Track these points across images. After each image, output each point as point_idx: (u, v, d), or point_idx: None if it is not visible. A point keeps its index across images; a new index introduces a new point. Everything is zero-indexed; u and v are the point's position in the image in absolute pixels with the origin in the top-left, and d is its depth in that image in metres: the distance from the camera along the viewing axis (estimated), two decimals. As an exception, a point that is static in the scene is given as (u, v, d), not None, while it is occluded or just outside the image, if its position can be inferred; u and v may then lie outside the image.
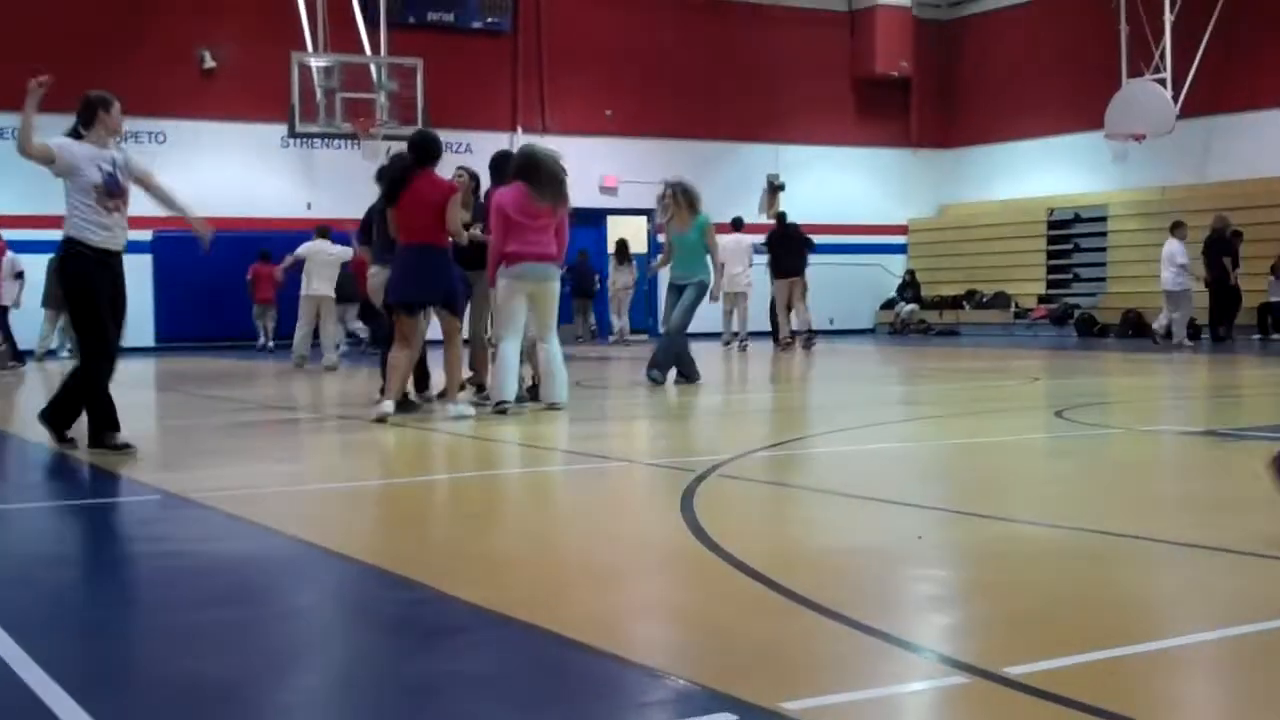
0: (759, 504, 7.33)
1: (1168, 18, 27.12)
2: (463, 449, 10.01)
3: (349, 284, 21.15)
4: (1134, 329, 27.61)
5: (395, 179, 11.45)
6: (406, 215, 11.22)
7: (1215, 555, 5.49)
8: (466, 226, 11.61)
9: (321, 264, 20.80)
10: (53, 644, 4.24)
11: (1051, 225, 29.88)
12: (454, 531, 6.38)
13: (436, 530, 6.42)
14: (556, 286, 11.77)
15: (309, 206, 28.10)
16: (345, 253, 20.17)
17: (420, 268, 11.20)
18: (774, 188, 30.86)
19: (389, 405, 11.06)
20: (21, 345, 22.31)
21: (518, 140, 28.83)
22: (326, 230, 21.71)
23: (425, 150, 11.48)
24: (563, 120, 29.61)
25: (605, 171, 29.80)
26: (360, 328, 24.66)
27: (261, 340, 26.79)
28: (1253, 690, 3.74)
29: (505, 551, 5.87)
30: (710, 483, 7.45)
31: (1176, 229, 23.49)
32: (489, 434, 10.52)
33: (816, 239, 27.57)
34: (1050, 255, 30.46)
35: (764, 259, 24.17)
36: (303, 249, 21.06)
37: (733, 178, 30.76)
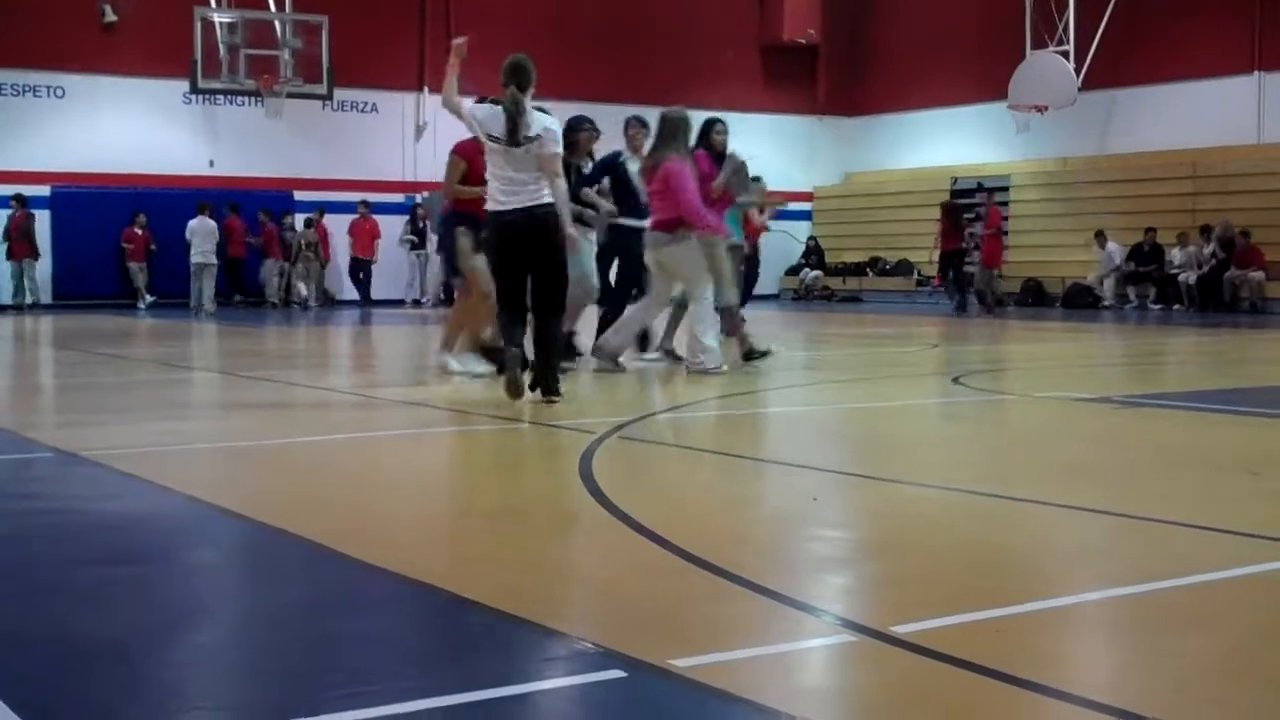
0: (657, 466, 7.37)
1: (1072, -10, 27.41)
2: (366, 409, 9.98)
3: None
4: (1034, 297, 27.99)
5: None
6: None
7: (1104, 518, 5.60)
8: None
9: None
10: (-60, 601, 4.19)
11: (954, 194, 30.14)
12: (351, 491, 6.37)
13: (333, 490, 6.40)
14: (668, 250, 11.58)
15: (211, 164, 27.79)
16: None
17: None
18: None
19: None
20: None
21: (425, 100, 28.67)
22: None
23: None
24: (470, 81, 29.37)
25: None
26: None
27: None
28: (1134, 650, 3.83)
29: (403, 511, 5.87)
30: (609, 445, 7.49)
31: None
32: (405, 396, 10.49)
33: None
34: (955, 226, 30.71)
35: None
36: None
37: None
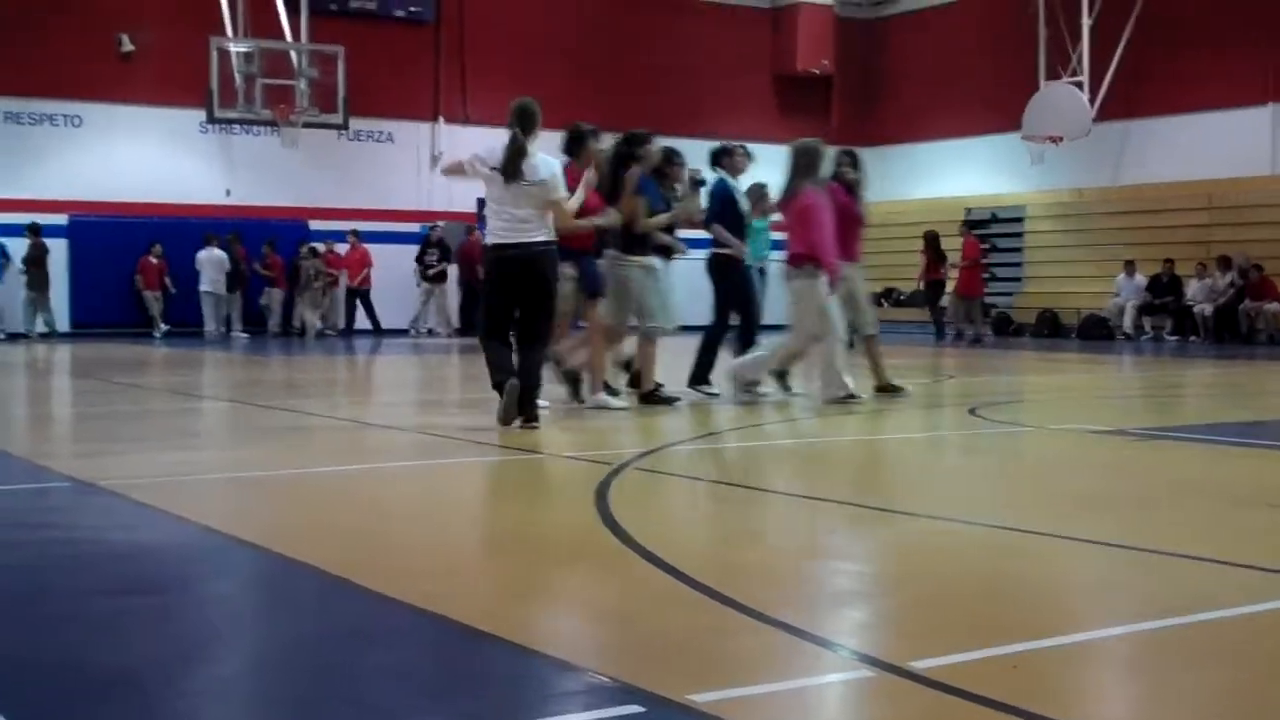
0: (673, 498, 7.36)
1: (1085, 21, 27.44)
2: (381, 438, 9.97)
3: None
4: (1049, 328, 27.95)
5: None
6: None
7: (1123, 552, 5.57)
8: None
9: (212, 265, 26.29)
10: (-44, 632, 4.19)
11: (969, 225, 30.10)
12: (366, 522, 6.36)
13: (347, 520, 6.39)
14: (795, 285, 11.75)
15: (228, 193, 27.85)
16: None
17: None
18: (695, 183, 30.83)
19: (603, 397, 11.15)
20: None
21: (440, 130, 28.75)
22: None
23: (566, 140, 11.36)
24: (484, 110, 29.45)
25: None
26: None
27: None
28: (1151, 685, 3.81)
29: (419, 544, 5.86)
30: (625, 476, 7.47)
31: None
32: (420, 425, 10.49)
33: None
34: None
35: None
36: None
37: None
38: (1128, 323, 26.83)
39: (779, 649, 4.05)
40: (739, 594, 4.58)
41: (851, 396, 11.57)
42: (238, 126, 27.00)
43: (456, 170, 10.25)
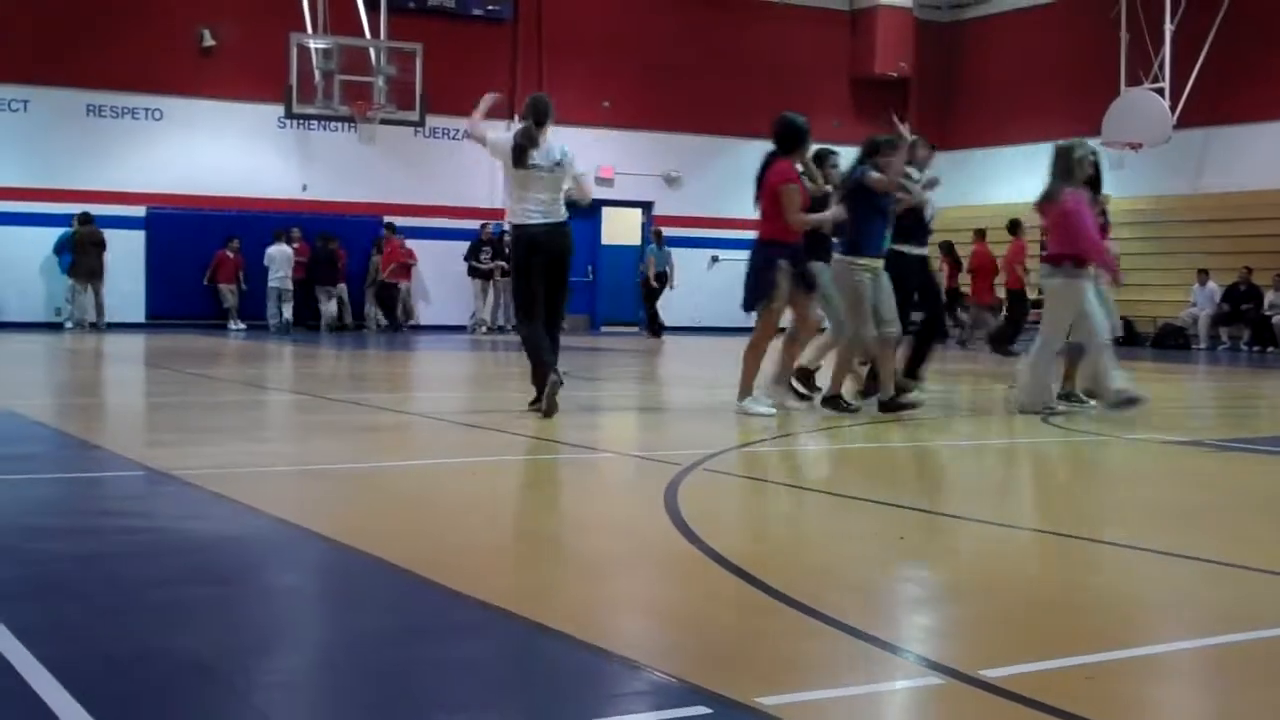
0: (743, 499, 7.35)
1: (1168, 27, 27.16)
2: (450, 434, 10.02)
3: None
4: (1125, 337, 27.66)
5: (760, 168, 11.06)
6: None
7: (1197, 565, 5.51)
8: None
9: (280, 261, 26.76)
10: (31, 619, 4.23)
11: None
12: (438, 519, 6.39)
13: (421, 517, 6.43)
14: (1054, 284, 11.51)
15: (305, 188, 28.08)
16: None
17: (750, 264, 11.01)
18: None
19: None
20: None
21: (515, 128, 28.84)
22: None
23: (777, 138, 11.01)
24: (560, 109, 29.38)
25: (602, 162, 29.78)
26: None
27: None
28: (1225, 700, 3.76)
29: (488, 540, 5.88)
30: (695, 477, 7.47)
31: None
32: (489, 423, 10.53)
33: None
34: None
35: None
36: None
37: (728, 173, 30.76)
38: (1202, 332, 26.53)
39: (847, 654, 4.03)
40: (808, 598, 4.56)
41: (1132, 400, 11.15)
42: (315, 122, 27.23)
43: (480, 137, 11.02)
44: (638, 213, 31.00)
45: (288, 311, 26.68)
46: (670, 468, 7.65)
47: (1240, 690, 3.82)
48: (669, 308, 30.06)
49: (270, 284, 26.77)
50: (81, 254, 25.57)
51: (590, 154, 29.45)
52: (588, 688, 3.68)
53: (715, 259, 30.63)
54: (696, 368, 19.95)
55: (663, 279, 28.74)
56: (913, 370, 12.18)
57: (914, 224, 12.07)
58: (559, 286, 10.51)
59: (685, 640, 4.21)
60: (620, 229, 30.73)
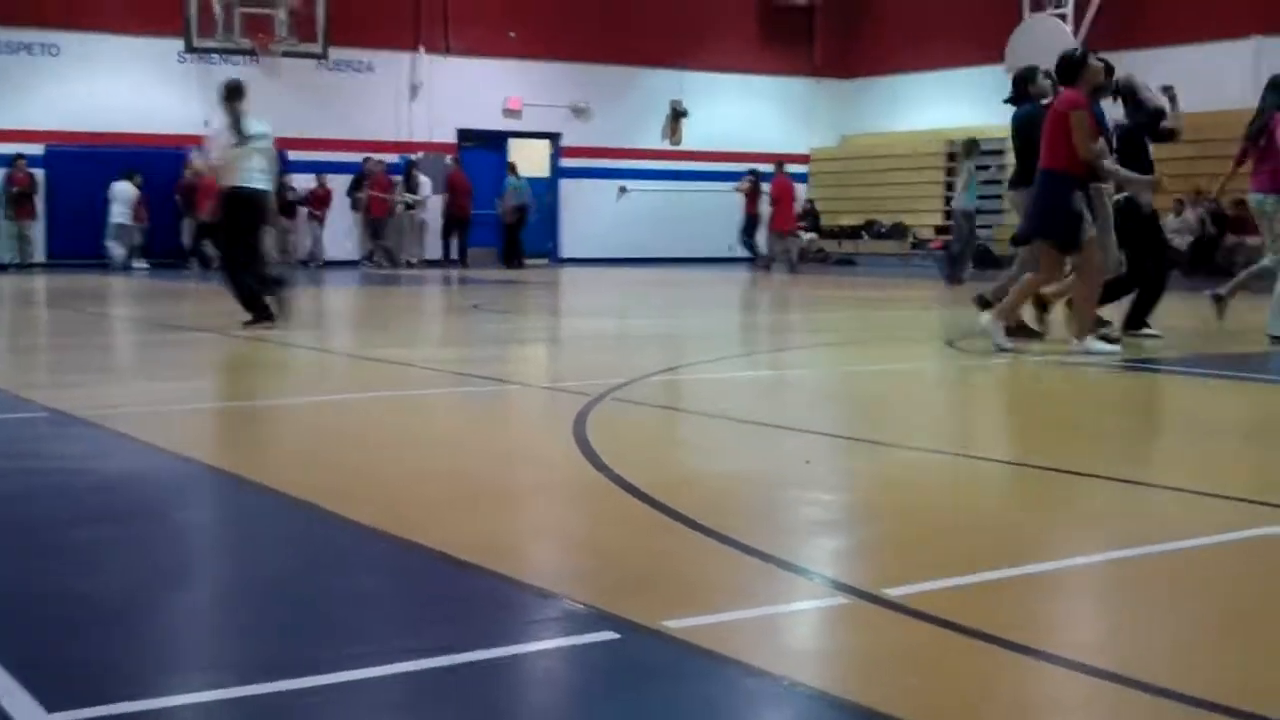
0: (651, 428, 7.39)
1: (1071, -50, 27.30)
2: (360, 370, 9.98)
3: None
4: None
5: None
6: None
7: (1096, 482, 5.62)
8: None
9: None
10: (-65, 559, 4.20)
11: (950, 157, 30.04)
12: (344, 452, 6.38)
13: (328, 451, 6.41)
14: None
15: (206, 124, 27.60)
16: None
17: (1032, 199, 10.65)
18: (677, 114, 30.84)
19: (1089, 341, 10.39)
20: None
21: (420, 60, 28.59)
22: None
23: (1059, 69, 10.69)
24: (466, 41, 29.32)
25: (508, 94, 29.59)
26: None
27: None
28: (1125, 613, 3.85)
29: (395, 472, 5.88)
30: (603, 406, 7.49)
31: None
32: (396, 356, 10.50)
33: (718, 167, 27.72)
34: (948, 187, 30.64)
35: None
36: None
37: (636, 103, 30.71)
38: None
39: (753, 576, 4.08)
40: (714, 522, 4.61)
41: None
42: (216, 56, 26.79)
43: (216, 159, 12.61)
44: (546, 144, 30.86)
45: (122, 249, 26.12)
46: (579, 398, 7.67)
47: (1141, 603, 3.91)
48: (575, 238, 30.03)
49: (112, 220, 26.13)
50: (21, 197, 25.27)
51: (498, 85, 29.33)
52: (498, 616, 3.71)
53: (623, 189, 30.59)
54: (604, 299, 19.97)
55: (522, 212, 28.39)
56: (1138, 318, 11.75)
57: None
58: (257, 238, 12.53)
59: (593, 567, 4.24)
60: (529, 161, 30.58)
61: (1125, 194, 11.29)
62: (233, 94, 12.45)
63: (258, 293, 12.32)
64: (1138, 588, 4.06)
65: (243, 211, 12.31)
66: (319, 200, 27.91)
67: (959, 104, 30.99)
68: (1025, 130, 11.34)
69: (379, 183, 27.63)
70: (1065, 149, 10.09)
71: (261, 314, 12.21)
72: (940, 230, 29.50)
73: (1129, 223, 11.09)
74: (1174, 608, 3.83)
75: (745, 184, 28.13)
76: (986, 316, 10.84)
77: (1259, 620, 3.71)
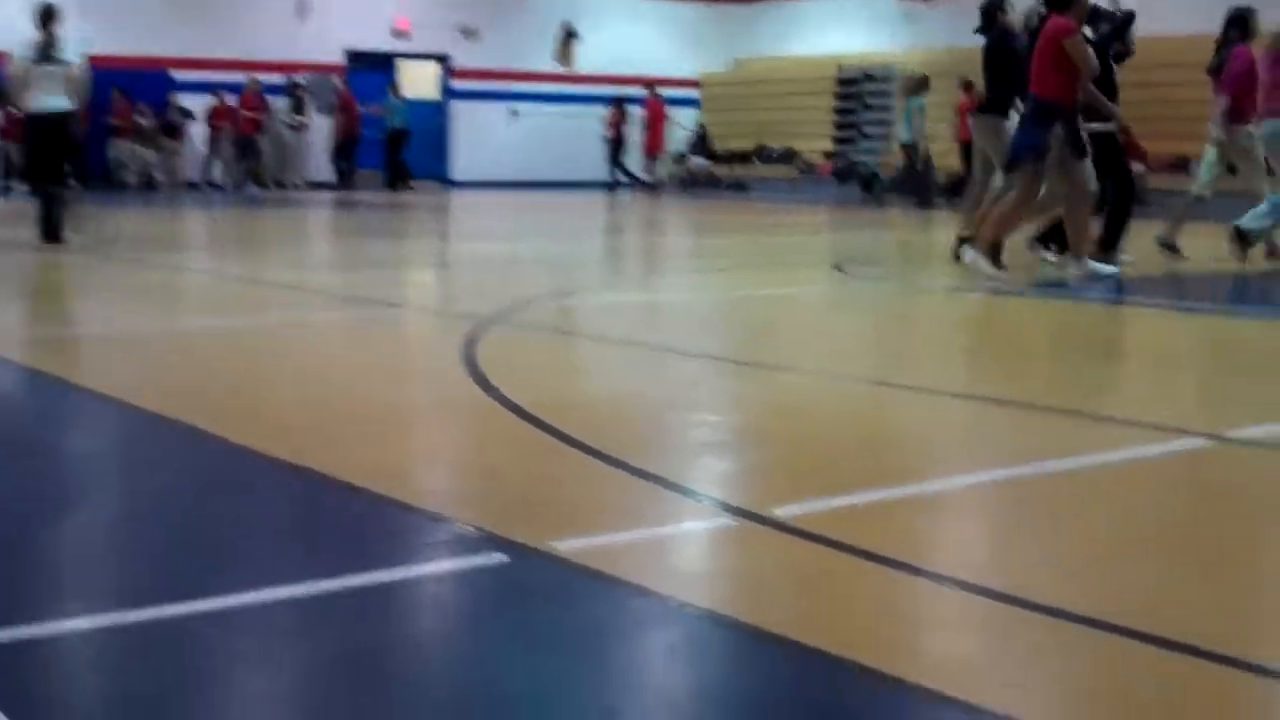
0: (540, 351, 7.37)
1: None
2: (247, 294, 9.86)
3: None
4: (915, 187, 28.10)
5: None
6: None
7: (982, 404, 5.70)
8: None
9: None
10: None
11: (840, 83, 30.09)
12: (233, 378, 6.31)
13: (216, 377, 6.33)
14: None
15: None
16: None
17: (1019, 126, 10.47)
18: (569, 35, 30.60)
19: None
20: None
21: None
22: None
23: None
24: (353, -40, 28.79)
25: (397, 14, 29.14)
26: None
27: None
28: (1014, 532, 3.92)
29: (284, 398, 5.83)
30: (494, 330, 7.47)
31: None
32: (286, 280, 10.38)
33: (611, 90, 27.52)
34: (839, 113, 30.73)
35: None
36: None
37: (527, 24, 30.42)
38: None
39: (642, 498, 4.10)
40: (603, 445, 4.62)
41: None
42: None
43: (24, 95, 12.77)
44: (434, 66, 30.48)
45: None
46: (468, 321, 7.64)
47: (1030, 522, 3.99)
48: (467, 161, 29.78)
49: None
50: None
51: (385, 6, 28.88)
52: (388, 540, 3.70)
53: (514, 112, 30.33)
54: (492, 223, 19.86)
55: (401, 133, 27.92)
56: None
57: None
58: (59, 157, 13.06)
59: (482, 489, 4.24)
60: (417, 83, 30.19)
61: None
62: (45, 18, 12.61)
63: (54, 214, 12.74)
64: (1027, 507, 4.13)
65: (41, 133, 12.78)
66: (220, 117, 27.26)
67: (851, 29, 31.03)
68: (993, 59, 11.34)
69: (247, 101, 27.07)
70: (1054, 77, 10.01)
71: (51, 235, 12.64)
72: (829, 155, 29.62)
73: (1101, 148, 10.89)
74: (1060, 528, 3.91)
75: (611, 114, 28.73)
76: (970, 252, 10.73)
77: (1148, 540, 3.79)
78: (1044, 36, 10.15)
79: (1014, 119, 10.87)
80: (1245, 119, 11.79)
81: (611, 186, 28.90)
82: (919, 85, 24.20)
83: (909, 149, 24.28)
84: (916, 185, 23.91)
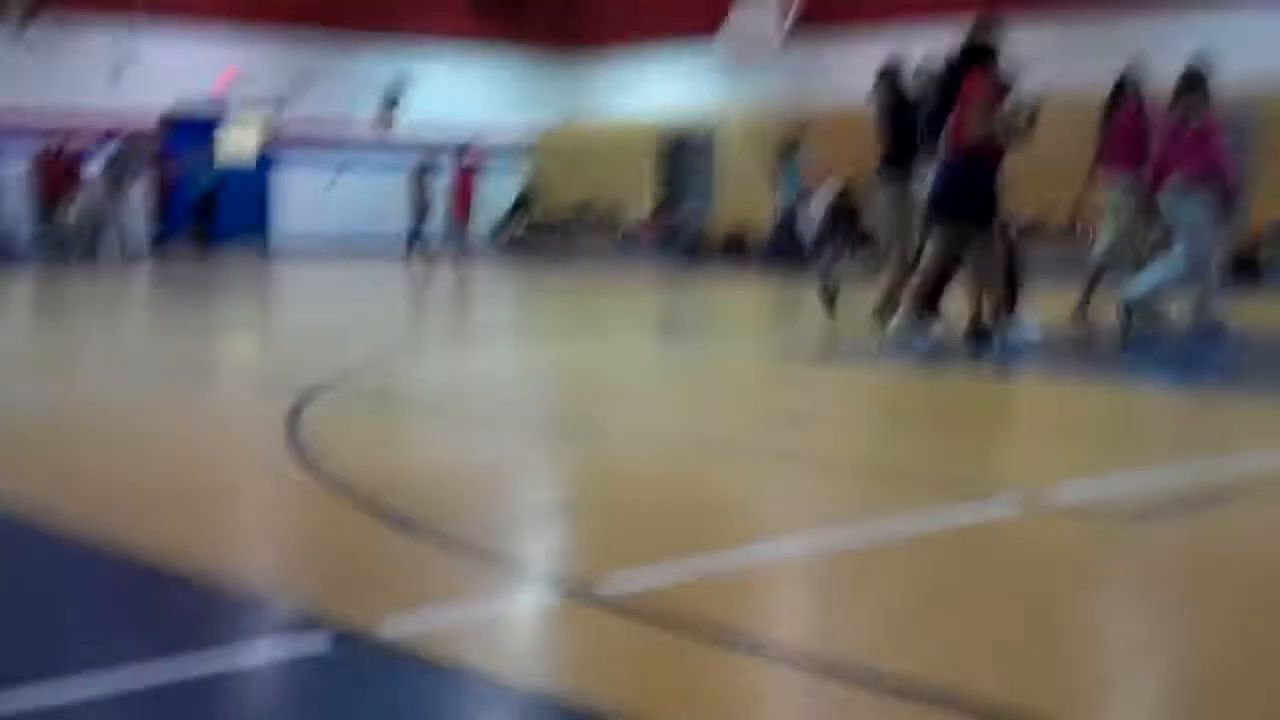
0: (361, 425, 7.28)
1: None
2: (62, 364, 9.63)
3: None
4: (738, 249, 28.32)
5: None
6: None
7: (799, 465, 5.77)
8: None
9: None
10: None
11: (661, 151, 30.13)
12: (42, 448, 6.14)
13: (27, 453, 6.16)
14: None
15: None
16: None
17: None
18: (392, 103, 30.06)
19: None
20: None
21: (125, 37, 27.47)
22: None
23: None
24: (176, 16, 28.24)
25: (217, 74, 28.59)
26: None
27: None
28: (830, 594, 3.97)
29: (97, 475, 5.68)
30: (314, 404, 7.37)
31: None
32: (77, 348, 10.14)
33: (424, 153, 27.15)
34: (661, 182, 30.63)
35: None
36: None
37: (349, 87, 30.01)
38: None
39: (469, 574, 4.07)
40: (429, 518, 4.59)
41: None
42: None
43: None
44: (255, 128, 29.95)
45: None
46: (287, 394, 7.53)
47: (842, 583, 4.03)
48: (288, 223, 29.36)
49: None
50: None
51: (206, 68, 28.33)
52: (206, 622, 3.62)
53: (333, 182, 29.62)
54: (314, 288, 19.65)
55: (210, 197, 27.36)
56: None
57: None
58: None
59: (306, 569, 4.18)
60: (238, 145, 29.65)
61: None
62: None
63: None
64: (840, 574, 4.18)
65: None
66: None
67: (675, 85, 31.03)
68: (893, 118, 11.42)
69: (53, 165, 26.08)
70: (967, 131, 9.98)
71: None
72: (653, 217, 29.71)
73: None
74: (868, 594, 3.96)
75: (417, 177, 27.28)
76: (894, 321, 10.43)
77: (948, 605, 3.86)
78: (963, 91, 10.07)
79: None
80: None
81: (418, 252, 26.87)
82: (791, 148, 24.21)
83: (787, 212, 24.01)
84: (791, 248, 23.56)
